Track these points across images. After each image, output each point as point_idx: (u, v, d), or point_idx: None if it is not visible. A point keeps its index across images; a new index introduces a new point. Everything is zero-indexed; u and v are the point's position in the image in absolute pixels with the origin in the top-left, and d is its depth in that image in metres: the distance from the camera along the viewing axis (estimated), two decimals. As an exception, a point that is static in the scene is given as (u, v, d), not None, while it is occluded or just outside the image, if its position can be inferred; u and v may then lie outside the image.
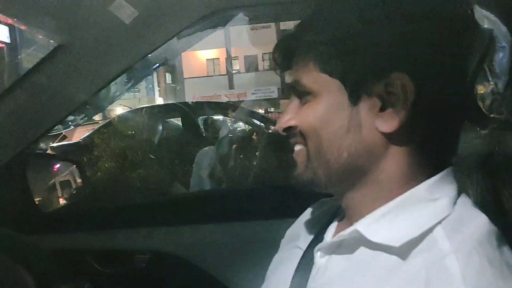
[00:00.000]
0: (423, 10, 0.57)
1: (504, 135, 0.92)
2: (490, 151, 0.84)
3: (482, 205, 0.61)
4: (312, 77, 0.60)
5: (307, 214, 0.79)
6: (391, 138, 0.57)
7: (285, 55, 0.64)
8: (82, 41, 0.96)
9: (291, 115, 0.64)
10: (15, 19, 0.95)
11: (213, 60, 19.19)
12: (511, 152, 0.89)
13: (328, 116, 0.59)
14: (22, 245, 1.02)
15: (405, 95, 0.55)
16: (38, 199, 1.25)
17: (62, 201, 1.32)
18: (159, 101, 18.67)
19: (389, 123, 0.56)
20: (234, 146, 3.68)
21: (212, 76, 18.86)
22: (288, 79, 0.65)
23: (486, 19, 0.75)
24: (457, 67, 0.59)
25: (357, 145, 0.58)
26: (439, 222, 0.55)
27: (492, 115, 0.90)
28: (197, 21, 1.00)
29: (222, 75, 18.73)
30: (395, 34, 0.56)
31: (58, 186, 1.30)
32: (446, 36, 0.58)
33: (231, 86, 17.83)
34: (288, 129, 0.64)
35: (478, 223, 0.55)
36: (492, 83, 0.90)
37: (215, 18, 1.08)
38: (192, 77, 18.67)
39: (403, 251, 0.54)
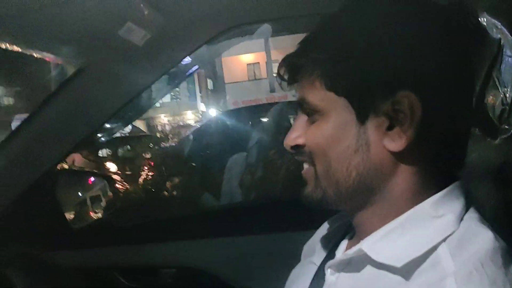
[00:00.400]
0: (430, 27, 0.56)
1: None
2: (501, 161, 0.82)
3: (494, 217, 0.59)
4: (319, 95, 0.59)
5: (323, 228, 0.78)
6: (399, 156, 0.57)
7: (291, 72, 0.63)
8: (99, 64, 0.98)
9: (299, 133, 0.63)
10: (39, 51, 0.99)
11: (254, 65, 19.33)
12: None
13: (336, 136, 0.59)
14: (38, 263, 1.05)
15: (412, 113, 0.55)
16: (68, 214, 1.29)
17: (92, 216, 1.35)
18: (201, 107, 18.97)
19: (397, 141, 0.56)
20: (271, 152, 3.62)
21: (253, 80, 18.99)
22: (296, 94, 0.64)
23: (494, 27, 0.71)
24: (465, 81, 0.59)
25: (365, 164, 0.58)
26: (444, 240, 0.54)
27: (502, 125, 0.85)
28: (214, 37, 1.01)
29: (263, 79, 18.82)
30: (401, 52, 0.55)
31: (88, 202, 1.34)
32: (455, 52, 0.57)
33: (272, 90, 17.89)
34: (296, 147, 0.63)
35: (483, 239, 0.54)
36: (501, 92, 0.85)
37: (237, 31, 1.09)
38: (233, 82, 18.87)
39: (406, 271, 0.53)
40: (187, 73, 1.69)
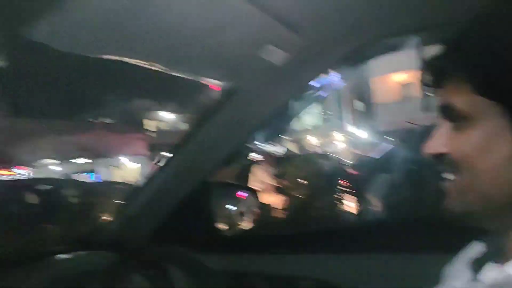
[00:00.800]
0: None
1: None
2: None
3: None
4: (467, 100, 0.55)
5: (467, 251, 0.72)
6: None
7: (436, 75, 0.60)
8: (246, 85, 1.08)
9: (441, 140, 0.59)
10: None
11: (408, 84, 18.48)
12: None
13: (487, 145, 0.54)
14: (195, 264, 1.17)
15: None
16: (219, 223, 1.43)
17: (239, 226, 1.46)
18: (348, 128, 18.76)
19: None
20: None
21: (406, 100, 18.12)
22: (438, 101, 0.61)
23: None
24: None
25: None
26: None
27: None
28: (351, 53, 1.03)
29: (416, 98, 17.83)
30: None
31: (236, 212, 1.46)
32: None
33: (425, 110, 16.79)
34: (438, 156, 0.60)
35: None
36: None
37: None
38: (384, 102, 18.29)
39: None
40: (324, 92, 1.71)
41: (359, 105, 18.95)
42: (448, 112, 0.58)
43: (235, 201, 1.47)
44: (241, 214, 1.46)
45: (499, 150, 0.53)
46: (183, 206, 1.25)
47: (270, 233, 1.58)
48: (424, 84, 0.62)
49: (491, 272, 0.61)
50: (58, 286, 1.02)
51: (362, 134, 17.97)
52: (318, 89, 1.32)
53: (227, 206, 1.45)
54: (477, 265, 0.66)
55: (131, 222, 1.22)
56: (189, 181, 1.26)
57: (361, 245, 1.28)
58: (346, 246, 1.30)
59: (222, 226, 1.43)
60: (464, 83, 0.55)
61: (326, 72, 1.13)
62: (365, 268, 1.24)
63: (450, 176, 0.59)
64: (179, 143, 1.26)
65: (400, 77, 18.35)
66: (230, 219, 1.45)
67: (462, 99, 0.55)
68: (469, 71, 0.55)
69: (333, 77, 1.26)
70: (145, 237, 1.22)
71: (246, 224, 1.46)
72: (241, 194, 1.49)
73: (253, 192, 1.49)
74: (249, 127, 1.19)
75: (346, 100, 18.84)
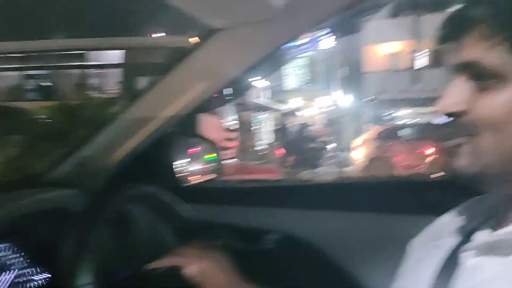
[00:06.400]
0: None
1: None
2: None
3: None
4: (501, 58, 0.51)
5: (452, 215, 0.71)
6: None
7: (461, 28, 0.55)
8: (237, 25, 0.99)
9: (459, 98, 0.55)
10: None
11: (395, 54, 18.33)
12: None
13: None
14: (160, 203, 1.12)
15: None
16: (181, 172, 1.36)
17: (202, 176, 1.41)
18: (337, 94, 18.70)
19: None
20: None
21: (396, 70, 18.02)
22: (457, 56, 0.56)
23: None
24: None
25: None
26: None
27: None
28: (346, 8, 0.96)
29: (407, 70, 17.72)
30: None
31: (198, 161, 1.40)
32: None
33: (414, 82, 16.78)
34: (454, 114, 0.56)
35: None
36: None
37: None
38: (371, 71, 18.18)
39: None
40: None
41: (346, 72, 18.84)
42: (473, 70, 0.54)
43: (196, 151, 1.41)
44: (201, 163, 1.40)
45: None
46: (148, 151, 1.17)
47: (236, 185, 1.54)
48: (445, 37, 0.57)
49: (483, 235, 0.60)
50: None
51: (346, 101, 18.10)
52: (301, 47, 1.26)
53: (188, 155, 1.38)
54: (467, 229, 0.65)
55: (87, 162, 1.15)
56: (157, 124, 1.17)
57: (334, 202, 1.26)
58: (319, 203, 1.28)
59: (185, 174, 1.37)
60: (498, 40, 0.51)
61: (312, 30, 1.07)
62: (333, 224, 1.22)
63: (463, 138, 0.56)
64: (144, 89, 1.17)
65: (390, 47, 18.20)
66: (194, 167, 1.40)
67: (496, 57, 0.52)
68: (501, 21, 0.51)
69: (320, 39, 1.23)
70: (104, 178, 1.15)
71: (210, 175, 1.40)
72: (196, 147, 1.42)
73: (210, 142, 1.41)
74: (233, 70, 1.10)
75: (334, 66, 18.71)
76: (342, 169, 11.85)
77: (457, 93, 0.56)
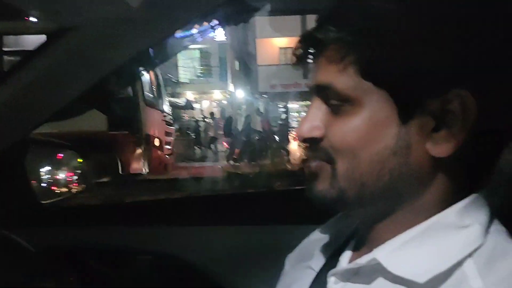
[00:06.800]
0: (501, 10, 0.48)
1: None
2: None
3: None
4: (352, 82, 0.50)
5: (322, 231, 0.70)
6: (441, 163, 0.50)
7: (315, 49, 0.54)
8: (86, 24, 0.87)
9: (316, 123, 0.54)
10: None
11: (286, 49, 18.98)
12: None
13: (372, 134, 0.50)
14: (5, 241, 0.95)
15: (465, 115, 0.48)
16: (38, 189, 1.19)
17: (63, 192, 1.24)
18: (231, 87, 18.86)
19: (443, 146, 0.49)
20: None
21: (287, 64, 18.66)
22: (313, 78, 0.54)
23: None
24: None
25: (402, 169, 0.50)
26: (470, 255, 0.48)
27: None
28: (210, 10, 0.89)
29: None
30: (462, 40, 0.47)
31: (59, 176, 1.23)
32: None
33: (305, 76, 17.52)
34: (311, 140, 0.54)
35: None
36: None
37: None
38: (266, 65, 18.62)
39: (428, 287, 0.47)
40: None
41: (238, 64, 19.05)
42: (326, 94, 0.52)
43: (56, 162, 1.24)
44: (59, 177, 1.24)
45: (382, 141, 0.50)
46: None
47: (100, 203, 1.41)
48: (297, 59, 0.56)
49: (346, 258, 0.59)
50: None
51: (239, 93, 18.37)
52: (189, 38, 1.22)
53: (46, 168, 1.21)
54: (333, 247, 0.64)
55: None
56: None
57: (203, 217, 1.20)
58: (190, 218, 1.21)
59: (40, 193, 1.20)
60: (349, 64, 0.50)
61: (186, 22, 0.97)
62: (212, 240, 1.16)
63: (319, 161, 0.55)
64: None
65: (281, 41, 18.78)
66: (54, 184, 1.23)
67: (346, 81, 0.50)
68: (357, 51, 0.49)
69: (208, 31, 1.20)
70: None
71: (66, 191, 1.25)
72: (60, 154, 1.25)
73: (82, 152, 1.24)
74: (92, 70, 0.96)
75: (227, 59, 18.82)
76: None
77: (313, 118, 0.54)
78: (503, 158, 0.55)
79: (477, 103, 0.47)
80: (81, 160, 1.16)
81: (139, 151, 6.52)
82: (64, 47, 0.92)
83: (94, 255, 1.13)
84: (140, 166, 6.57)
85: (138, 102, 6.64)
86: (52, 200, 1.20)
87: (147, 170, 6.86)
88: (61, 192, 1.21)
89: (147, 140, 6.82)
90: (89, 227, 1.16)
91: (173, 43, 1.32)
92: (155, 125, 7.31)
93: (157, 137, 7.20)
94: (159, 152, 7.30)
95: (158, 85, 7.99)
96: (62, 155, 1.22)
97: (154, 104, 7.38)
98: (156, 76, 7.91)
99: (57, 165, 1.21)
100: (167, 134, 7.97)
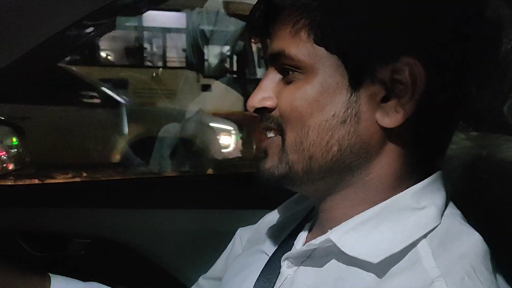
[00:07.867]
0: None
1: (498, 138, 0.80)
2: (478, 154, 0.78)
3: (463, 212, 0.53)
4: (304, 49, 0.49)
5: (276, 213, 0.69)
6: (389, 134, 0.49)
7: (269, 17, 0.52)
8: None
9: (268, 93, 0.53)
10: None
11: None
12: (503, 157, 0.79)
13: (321, 101, 0.49)
14: None
15: (414, 85, 0.47)
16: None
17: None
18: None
19: (392, 116, 0.48)
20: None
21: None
22: (269, 47, 0.53)
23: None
24: (473, 56, 0.50)
25: (351, 139, 0.49)
26: (425, 236, 0.48)
27: (489, 116, 0.78)
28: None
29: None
30: (412, 10, 0.46)
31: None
32: (467, 19, 0.48)
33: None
34: (262, 110, 0.53)
35: (470, 241, 0.48)
36: (495, 80, 0.77)
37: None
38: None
39: (381, 268, 0.47)
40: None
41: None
42: (279, 61, 0.51)
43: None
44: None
45: (332, 108, 0.48)
46: None
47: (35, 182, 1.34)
48: (253, 25, 0.54)
49: (300, 241, 0.59)
50: None
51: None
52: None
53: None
54: (287, 231, 0.63)
55: None
56: None
57: (143, 200, 1.18)
58: (126, 201, 1.18)
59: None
60: (302, 29, 0.49)
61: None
62: (148, 223, 1.15)
63: (272, 134, 0.54)
64: None
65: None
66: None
67: (299, 47, 0.49)
68: (310, 16, 0.48)
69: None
70: None
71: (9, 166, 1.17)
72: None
73: (17, 129, 1.14)
74: None
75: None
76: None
77: (266, 88, 0.53)
78: (456, 142, 0.59)
79: (426, 73, 0.46)
80: (15, 139, 1.06)
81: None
82: None
83: (29, 238, 1.08)
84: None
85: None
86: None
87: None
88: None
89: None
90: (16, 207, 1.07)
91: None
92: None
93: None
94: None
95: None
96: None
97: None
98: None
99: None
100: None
